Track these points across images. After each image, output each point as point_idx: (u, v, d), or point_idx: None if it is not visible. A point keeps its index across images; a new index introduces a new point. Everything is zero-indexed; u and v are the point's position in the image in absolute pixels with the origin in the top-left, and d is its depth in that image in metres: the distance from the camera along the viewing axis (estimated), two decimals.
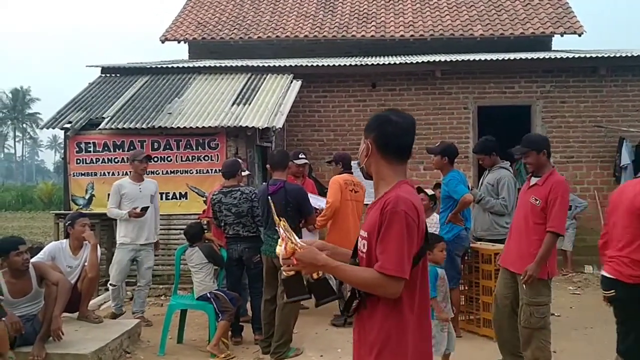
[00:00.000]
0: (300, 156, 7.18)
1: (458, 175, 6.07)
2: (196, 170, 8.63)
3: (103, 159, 8.69)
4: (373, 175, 2.45)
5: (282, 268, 2.37)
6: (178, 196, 8.54)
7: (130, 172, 6.91)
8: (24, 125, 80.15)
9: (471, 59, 10.36)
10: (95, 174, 8.70)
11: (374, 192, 2.45)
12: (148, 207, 6.60)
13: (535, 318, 4.39)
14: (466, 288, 6.39)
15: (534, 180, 4.60)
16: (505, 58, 10.32)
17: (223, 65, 10.85)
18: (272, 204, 2.74)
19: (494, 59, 10.33)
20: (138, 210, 6.54)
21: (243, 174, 6.49)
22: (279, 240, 2.39)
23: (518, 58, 10.33)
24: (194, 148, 8.65)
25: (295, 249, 2.33)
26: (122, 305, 6.68)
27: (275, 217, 2.48)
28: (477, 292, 6.13)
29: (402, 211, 2.22)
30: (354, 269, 2.29)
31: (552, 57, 10.41)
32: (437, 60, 10.38)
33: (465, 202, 5.83)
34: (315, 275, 2.35)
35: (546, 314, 4.46)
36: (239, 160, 6.79)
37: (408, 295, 2.26)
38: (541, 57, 10.32)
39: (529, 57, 10.34)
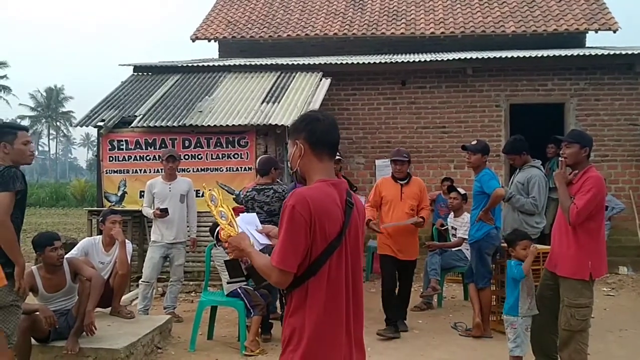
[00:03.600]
0: None
1: (491, 172, 6.08)
2: (226, 168, 8.69)
3: (135, 156, 8.81)
4: (306, 176, 2.49)
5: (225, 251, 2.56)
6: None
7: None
8: (58, 123, 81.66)
9: (503, 56, 10.23)
10: (128, 172, 8.83)
11: None
12: (167, 208, 6.66)
13: (575, 320, 4.30)
14: (497, 288, 6.32)
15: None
16: (538, 55, 10.16)
17: (253, 63, 10.90)
18: (214, 197, 2.79)
19: (527, 56, 10.18)
20: (157, 211, 6.64)
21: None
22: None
23: (551, 55, 10.16)
24: (224, 146, 8.71)
25: (230, 235, 2.57)
26: (149, 308, 6.68)
27: (210, 204, 2.69)
28: None
29: (289, 205, 2.28)
30: (259, 256, 2.41)
31: (586, 54, 10.20)
32: (468, 57, 10.25)
33: (497, 195, 5.77)
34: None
35: (587, 316, 4.38)
36: (273, 157, 6.77)
37: (315, 290, 2.30)
38: (575, 54, 10.12)
39: (563, 54, 10.16)
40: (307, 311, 2.30)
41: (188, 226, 6.97)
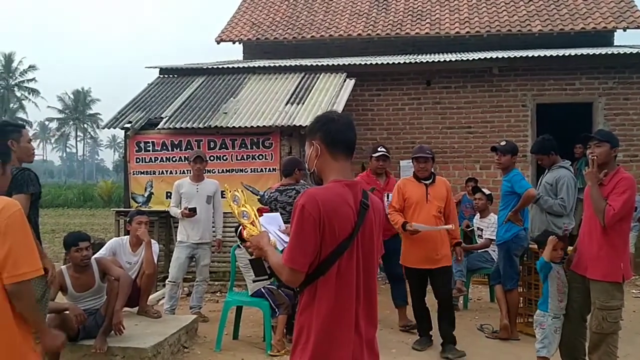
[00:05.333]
0: (379, 149, 6.53)
1: (520, 172, 6.04)
2: (251, 169, 8.74)
3: (161, 157, 8.90)
4: (323, 177, 2.50)
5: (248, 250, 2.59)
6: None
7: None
8: (85, 125, 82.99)
9: (530, 56, 10.11)
10: (154, 173, 8.93)
11: None
12: (195, 207, 6.70)
13: (607, 323, 4.23)
14: (524, 290, 6.25)
15: None
16: (566, 54, 10.02)
17: (277, 65, 10.93)
18: (236, 197, 2.87)
19: (554, 55, 10.05)
20: (186, 210, 6.70)
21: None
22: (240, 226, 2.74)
23: (579, 54, 10.01)
24: (249, 147, 8.76)
25: (252, 234, 2.64)
26: (175, 308, 6.74)
27: (232, 204, 2.78)
28: (536, 294, 5.97)
29: (299, 205, 2.31)
30: (274, 255, 2.45)
31: (615, 52, 10.04)
32: (494, 57, 10.16)
33: (529, 196, 5.70)
34: None
35: (618, 319, 4.31)
36: (297, 158, 6.78)
37: (323, 289, 2.32)
38: (603, 53, 9.97)
39: (590, 53, 10.00)
40: (315, 310, 2.32)
41: (214, 227, 7.01)
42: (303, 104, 9.13)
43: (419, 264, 5.64)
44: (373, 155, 6.53)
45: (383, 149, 6.55)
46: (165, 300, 6.81)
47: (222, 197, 7.21)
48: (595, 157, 4.34)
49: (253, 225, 2.70)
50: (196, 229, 6.78)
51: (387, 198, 6.12)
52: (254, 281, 5.32)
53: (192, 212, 6.68)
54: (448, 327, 5.56)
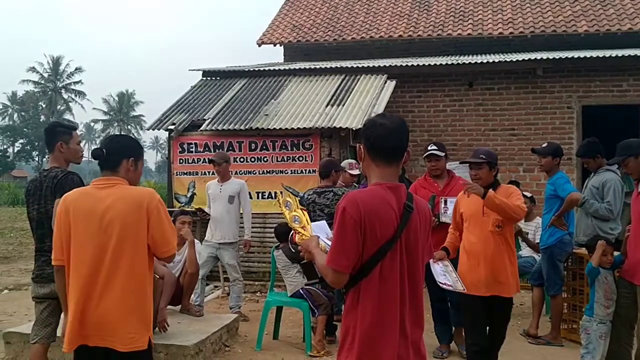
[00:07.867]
0: (428, 148, 5.70)
1: (565, 175, 5.89)
2: (291, 170, 8.79)
3: (204, 159, 9.01)
4: (368, 179, 2.54)
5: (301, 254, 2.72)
6: (274, 195, 8.72)
7: None
8: (129, 126, 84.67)
9: (575, 57, 9.90)
10: (197, 173, 9.07)
11: None
12: (201, 207, 7.23)
13: None
14: (569, 296, 6.13)
15: None
16: (612, 55, 9.78)
17: (317, 67, 10.95)
18: (288, 202, 2.98)
19: (600, 56, 9.82)
20: (198, 211, 7.19)
21: (353, 172, 6.63)
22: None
23: (626, 55, 9.76)
24: (289, 149, 8.80)
25: (302, 238, 2.74)
26: (201, 302, 6.79)
27: (284, 209, 2.90)
28: (580, 300, 5.86)
29: (341, 207, 2.35)
30: (320, 257, 2.48)
31: None
32: (538, 57, 9.97)
33: (572, 200, 5.57)
34: None
35: None
36: (334, 160, 6.79)
37: (366, 291, 2.34)
38: None
39: (638, 54, 9.75)
40: (359, 312, 2.35)
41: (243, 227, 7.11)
42: (343, 105, 9.15)
43: (475, 287, 4.43)
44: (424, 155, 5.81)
45: (433, 147, 5.66)
46: (193, 296, 6.93)
47: (265, 198, 7.32)
48: (631, 174, 4.41)
49: (304, 230, 2.78)
50: (218, 229, 6.89)
51: (445, 204, 5.42)
52: (306, 284, 5.36)
53: (202, 213, 7.15)
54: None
